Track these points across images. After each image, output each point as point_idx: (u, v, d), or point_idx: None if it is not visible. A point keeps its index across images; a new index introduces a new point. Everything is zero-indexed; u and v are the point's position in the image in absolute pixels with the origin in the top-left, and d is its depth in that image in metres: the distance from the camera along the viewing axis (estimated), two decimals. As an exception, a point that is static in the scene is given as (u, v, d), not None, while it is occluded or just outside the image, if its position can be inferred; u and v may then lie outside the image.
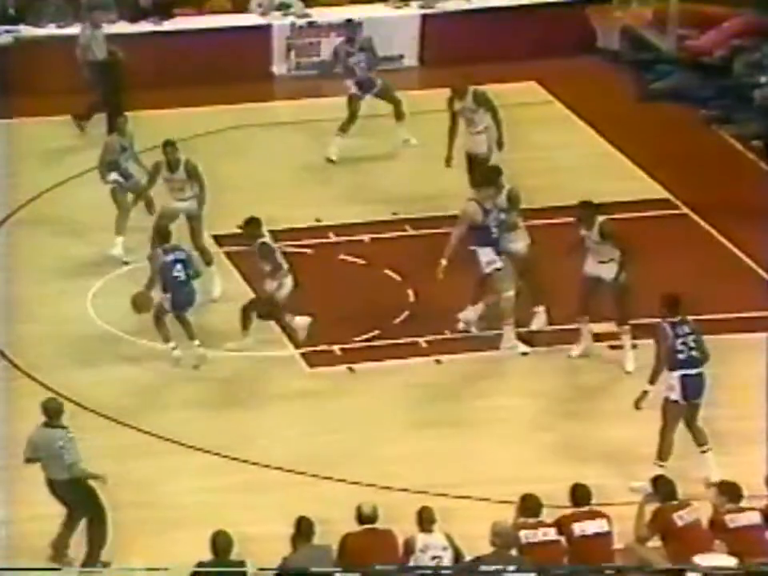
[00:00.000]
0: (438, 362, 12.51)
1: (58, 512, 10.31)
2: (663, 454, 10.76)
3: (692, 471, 10.81)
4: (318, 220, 14.42)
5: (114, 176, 14.03)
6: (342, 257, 13.87)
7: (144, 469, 11.07)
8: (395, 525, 9.56)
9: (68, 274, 13.57)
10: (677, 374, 10.74)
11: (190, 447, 11.40)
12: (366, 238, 14.14)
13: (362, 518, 9.49)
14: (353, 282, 13.53)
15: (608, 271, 12.07)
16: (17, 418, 11.37)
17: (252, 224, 12.44)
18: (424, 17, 17.94)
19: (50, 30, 17.41)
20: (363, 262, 13.82)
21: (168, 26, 17.61)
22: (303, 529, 9.39)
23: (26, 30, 17.37)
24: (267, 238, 12.43)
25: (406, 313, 13.06)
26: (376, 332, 12.77)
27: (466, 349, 12.54)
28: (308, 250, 14.00)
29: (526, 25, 17.66)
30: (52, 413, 10.15)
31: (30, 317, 12.91)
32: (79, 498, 10.16)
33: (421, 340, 12.71)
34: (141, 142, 14.53)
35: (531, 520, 9.48)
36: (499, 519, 9.45)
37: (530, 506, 9.51)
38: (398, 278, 13.56)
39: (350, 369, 12.42)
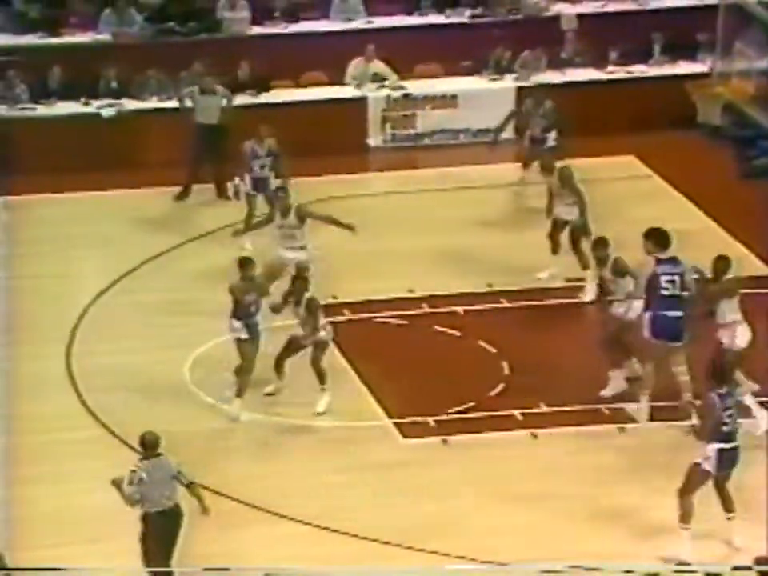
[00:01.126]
0: (533, 435, 12.33)
1: None
2: (686, 516, 10.67)
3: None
4: (410, 291, 14.38)
5: (245, 178, 15.16)
6: (436, 328, 13.79)
7: (236, 538, 11.00)
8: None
9: (166, 343, 13.66)
10: (716, 446, 10.67)
11: (282, 516, 11.32)
12: (460, 309, 14.06)
13: None
14: (447, 353, 13.43)
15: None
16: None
17: (303, 276, 12.54)
18: (519, 89, 17.97)
19: (152, 103, 17.74)
20: (458, 333, 13.73)
21: (265, 98, 17.87)
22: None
23: (128, 103, 17.74)
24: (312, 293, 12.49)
25: (502, 385, 12.92)
26: (470, 404, 12.64)
27: (562, 423, 12.35)
28: (402, 321, 13.94)
29: (623, 98, 17.60)
30: (152, 444, 10.30)
31: (129, 385, 12.98)
32: (177, 525, 10.24)
33: (516, 412, 12.54)
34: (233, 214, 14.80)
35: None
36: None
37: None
38: (493, 350, 13.45)
39: (444, 440, 12.29)
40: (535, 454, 12.08)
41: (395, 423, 12.48)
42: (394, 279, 14.58)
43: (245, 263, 12.70)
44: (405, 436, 12.36)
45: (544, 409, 12.55)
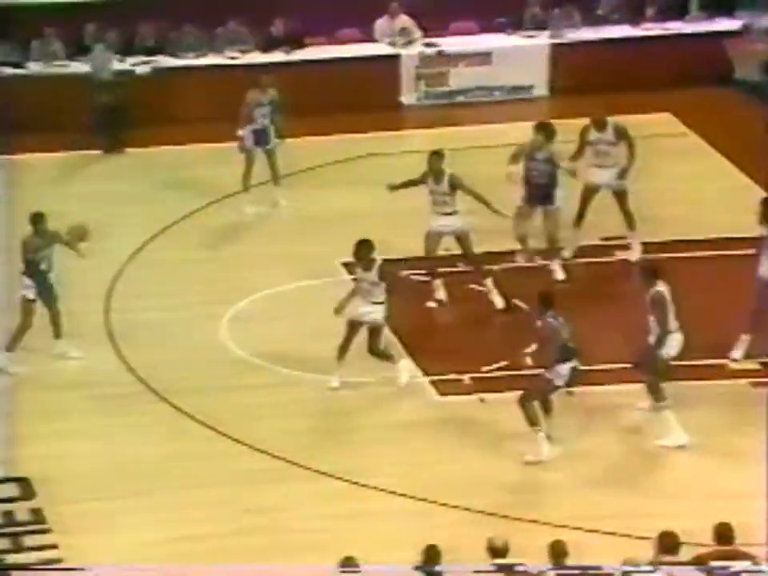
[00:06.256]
0: (570, 393, 12.38)
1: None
2: (534, 419, 11.15)
3: None
4: (447, 249, 14.39)
5: (246, 130, 14.76)
6: (471, 286, 13.79)
7: (273, 494, 11.13)
8: (522, 557, 9.42)
9: (204, 299, 13.73)
10: (569, 365, 11.29)
11: (319, 472, 11.42)
12: (496, 267, 14.02)
13: (495, 552, 9.40)
14: (482, 311, 13.45)
15: None
16: (153, 442, 11.61)
17: (364, 247, 12.31)
18: (553, 46, 17.90)
19: (188, 60, 17.73)
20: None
21: (299, 55, 17.85)
22: (431, 557, 9.32)
23: (164, 61, 17.72)
24: (380, 261, 12.34)
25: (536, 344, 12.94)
26: (505, 362, 12.69)
27: (593, 381, 12.37)
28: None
29: (660, 55, 17.51)
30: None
31: (166, 341, 13.06)
32: None
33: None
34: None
35: (669, 557, 9.27)
36: (632, 556, 9.26)
37: (668, 543, 9.30)
38: (528, 308, 13.49)
39: (480, 398, 12.35)
40: (571, 412, 12.11)
41: (431, 381, 12.55)
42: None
43: (37, 218, 12.54)
44: (441, 393, 12.42)
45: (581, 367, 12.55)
